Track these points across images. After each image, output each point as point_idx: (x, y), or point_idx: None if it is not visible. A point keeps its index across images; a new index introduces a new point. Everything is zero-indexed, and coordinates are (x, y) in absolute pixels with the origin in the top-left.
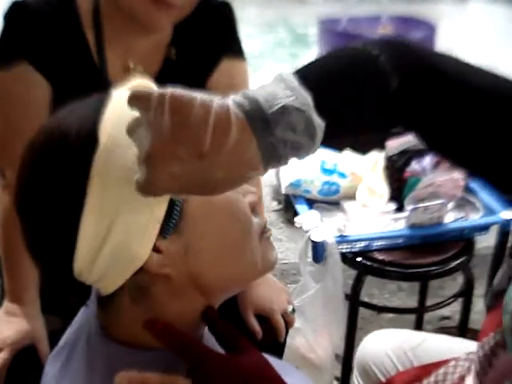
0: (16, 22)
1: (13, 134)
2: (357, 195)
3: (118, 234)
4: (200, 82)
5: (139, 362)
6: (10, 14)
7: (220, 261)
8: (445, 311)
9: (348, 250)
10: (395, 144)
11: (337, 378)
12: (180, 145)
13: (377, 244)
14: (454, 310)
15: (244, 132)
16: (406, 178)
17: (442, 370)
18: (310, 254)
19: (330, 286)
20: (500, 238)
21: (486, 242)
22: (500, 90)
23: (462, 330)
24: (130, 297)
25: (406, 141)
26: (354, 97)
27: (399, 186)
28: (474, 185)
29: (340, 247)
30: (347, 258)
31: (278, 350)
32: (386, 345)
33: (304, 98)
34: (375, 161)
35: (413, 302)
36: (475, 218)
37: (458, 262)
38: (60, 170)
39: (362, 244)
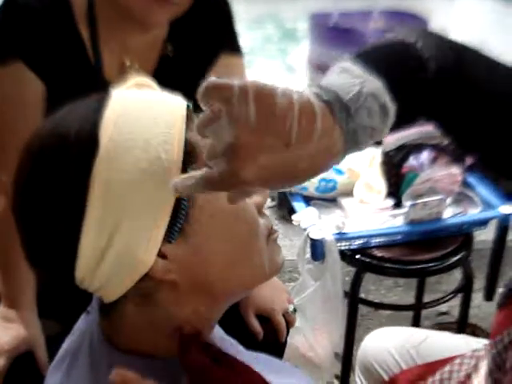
0: (8, 20)
1: (6, 136)
2: (354, 191)
3: (121, 240)
4: (197, 79)
5: (143, 370)
6: (2, 12)
7: (227, 265)
8: (442, 306)
9: (346, 248)
10: (392, 139)
11: (337, 377)
12: (267, 135)
13: (375, 241)
14: (451, 305)
15: (327, 121)
16: (404, 173)
17: (447, 368)
18: (308, 251)
19: (329, 283)
20: (499, 232)
21: (482, 236)
22: None
23: (462, 325)
24: (134, 304)
25: (403, 136)
26: (405, 79)
27: (397, 182)
28: (472, 179)
29: (338, 244)
30: (346, 255)
31: (279, 349)
32: (388, 343)
33: (374, 83)
34: (372, 156)
35: (409, 298)
36: (474, 212)
37: (458, 257)
38: (60, 175)
39: (361, 241)
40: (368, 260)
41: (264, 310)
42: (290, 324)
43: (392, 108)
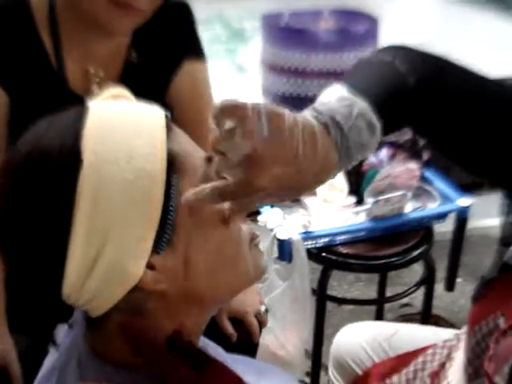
0: None
1: None
2: (317, 191)
3: (110, 253)
4: (163, 84)
5: (134, 381)
6: None
7: (214, 272)
8: (403, 298)
9: (312, 246)
10: None
11: (307, 374)
12: (280, 148)
13: (340, 238)
14: (412, 296)
15: (325, 139)
16: (364, 171)
17: (420, 359)
18: (275, 252)
19: (298, 282)
20: (458, 224)
21: (441, 228)
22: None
23: (426, 316)
24: (123, 316)
25: None
26: (388, 96)
27: (358, 180)
28: (429, 174)
29: (305, 243)
30: (312, 254)
31: (252, 350)
32: (360, 337)
33: (361, 104)
34: None
35: (371, 292)
36: (433, 206)
37: (419, 251)
38: (44, 191)
39: (326, 239)
40: (334, 257)
41: (237, 313)
42: (262, 324)
43: (378, 126)
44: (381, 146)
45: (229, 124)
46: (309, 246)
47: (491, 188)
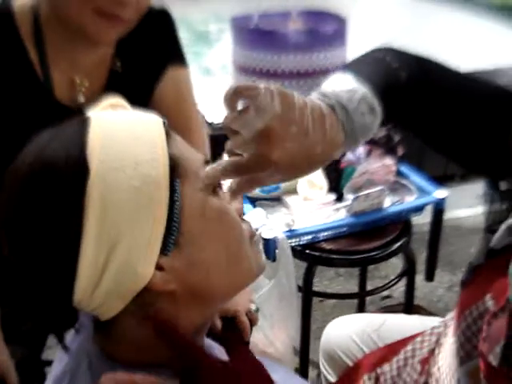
0: None
1: None
2: (298, 189)
3: (119, 258)
4: (147, 92)
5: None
6: None
7: (220, 270)
8: (384, 291)
9: (296, 244)
10: None
11: (296, 370)
12: (291, 124)
13: (323, 235)
14: (392, 288)
15: (332, 118)
16: (342, 168)
17: (409, 347)
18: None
19: (284, 280)
20: (435, 216)
21: (419, 220)
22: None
23: (408, 307)
24: (133, 317)
25: None
26: (384, 86)
27: (336, 177)
28: (404, 169)
29: (289, 241)
30: (296, 251)
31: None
32: (348, 330)
33: (363, 90)
34: None
35: (351, 286)
36: (410, 200)
37: (399, 243)
38: (52, 202)
39: (310, 236)
40: (318, 254)
41: (228, 312)
42: (252, 323)
43: (378, 109)
44: None
45: (240, 105)
46: (293, 244)
47: (461, 180)
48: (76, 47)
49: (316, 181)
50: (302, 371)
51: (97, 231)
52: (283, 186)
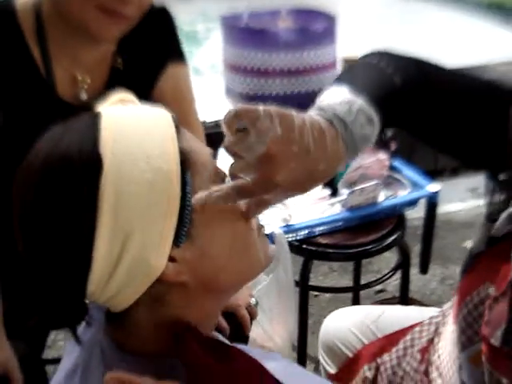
0: None
1: None
2: None
3: (133, 250)
4: (148, 88)
5: (161, 370)
6: None
7: (230, 260)
8: (378, 285)
9: (293, 239)
10: None
11: None
12: (292, 144)
13: (319, 229)
14: (385, 282)
15: (331, 133)
16: None
17: (408, 337)
18: None
19: (282, 275)
20: (428, 209)
21: (413, 214)
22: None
23: (404, 299)
24: (145, 308)
25: None
26: (380, 94)
27: None
28: (397, 163)
29: (286, 236)
30: (293, 246)
31: (243, 342)
32: (347, 322)
33: (359, 101)
34: None
35: (345, 281)
36: (404, 194)
37: (394, 237)
38: (67, 196)
39: (306, 231)
40: (314, 248)
41: (230, 307)
42: (252, 316)
43: (376, 119)
44: None
45: (237, 126)
46: (290, 239)
47: (452, 174)
48: (78, 44)
49: None
50: (300, 364)
51: (111, 223)
52: None
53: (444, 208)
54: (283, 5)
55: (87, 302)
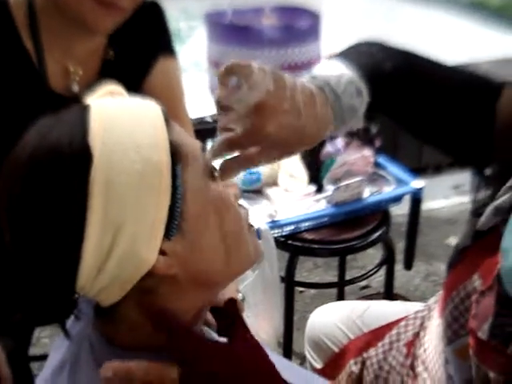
0: None
1: None
2: (279, 181)
3: (123, 243)
4: (138, 82)
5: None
6: None
7: (220, 254)
8: (362, 281)
9: (279, 234)
10: None
11: None
12: (284, 101)
13: (305, 225)
14: (370, 278)
15: (321, 99)
16: (322, 160)
17: (394, 331)
18: None
19: (268, 271)
20: (413, 205)
21: (397, 211)
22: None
23: (388, 295)
24: (135, 302)
25: None
26: (371, 73)
27: (316, 169)
28: (382, 160)
29: (272, 232)
30: (278, 242)
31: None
32: (333, 317)
33: (350, 73)
34: None
35: (330, 277)
36: (388, 190)
37: (379, 233)
38: (57, 187)
39: (292, 227)
40: (300, 244)
41: (216, 301)
42: (239, 312)
43: (365, 91)
44: (335, 135)
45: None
46: (275, 235)
47: (435, 171)
48: (71, 35)
49: (296, 173)
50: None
51: (101, 215)
52: (264, 178)
53: (427, 205)
54: (267, 2)
55: (76, 295)
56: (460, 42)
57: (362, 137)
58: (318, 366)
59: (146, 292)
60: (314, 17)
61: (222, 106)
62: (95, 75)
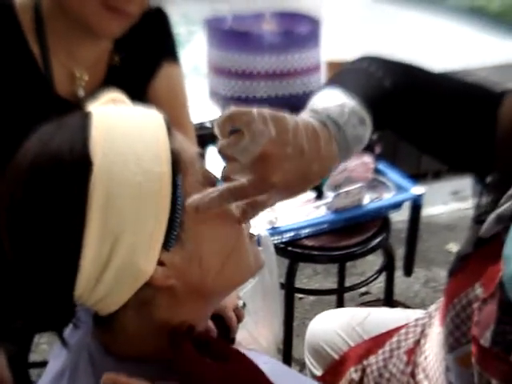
0: None
1: None
2: None
3: (122, 253)
4: (142, 87)
5: (148, 374)
6: None
7: (220, 266)
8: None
9: (279, 241)
10: None
11: None
12: (287, 145)
13: (305, 232)
14: (369, 285)
15: (325, 134)
16: None
17: (394, 339)
18: None
19: (267, 278)
20: (413, 212)
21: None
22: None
23: (388, 301)
24: (133, 312)
25: None
26: (371, 96)
27: None
28: (382, 166)
29: (272, 239)
30: (278, 248)
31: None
32: (333, 324)
33: (351, 102)
34: None
35: (329, 284)
36: (388, 196)
37: (379, 239)
38: (57, 195)
39: (292, 233)
40: (300, 251)
41: (216, 308)
42: (239, 319)
43: (368, 120)
44: None
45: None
46: (275, 241)
47: (434, 178)
48: (77, 40)
49: None
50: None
51: (100, 225)
52: None
53: (427, 211)
54: (267, 8)
55: (75, 304)
56: (459, 48)
57: None
58: (318, 373)
59: (143, 302)
60: (313, 22)
61: (225, 156)
62: (101, 81)
